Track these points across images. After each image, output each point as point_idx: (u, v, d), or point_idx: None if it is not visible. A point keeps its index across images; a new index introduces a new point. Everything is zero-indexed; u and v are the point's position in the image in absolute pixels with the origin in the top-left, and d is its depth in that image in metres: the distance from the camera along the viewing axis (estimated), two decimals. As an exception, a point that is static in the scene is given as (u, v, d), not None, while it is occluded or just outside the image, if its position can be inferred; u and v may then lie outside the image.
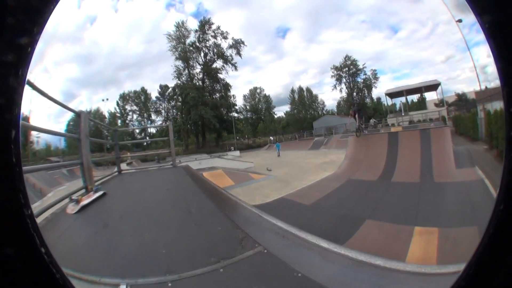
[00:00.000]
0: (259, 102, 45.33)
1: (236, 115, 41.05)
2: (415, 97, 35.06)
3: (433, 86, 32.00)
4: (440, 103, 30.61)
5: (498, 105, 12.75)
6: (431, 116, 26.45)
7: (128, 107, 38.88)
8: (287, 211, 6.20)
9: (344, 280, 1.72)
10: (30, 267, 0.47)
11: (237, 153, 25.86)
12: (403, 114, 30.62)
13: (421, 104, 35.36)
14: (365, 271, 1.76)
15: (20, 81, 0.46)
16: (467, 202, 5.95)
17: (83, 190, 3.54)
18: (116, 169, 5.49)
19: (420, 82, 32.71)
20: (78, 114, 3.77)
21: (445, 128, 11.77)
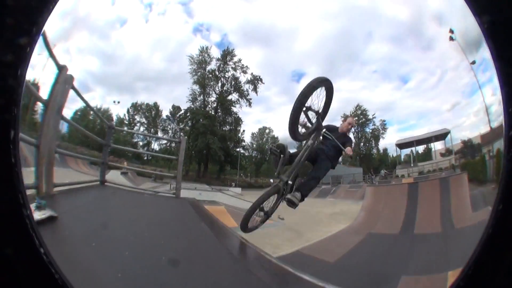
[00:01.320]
0: (267, 143, 46.01)
1: (242, 151, 41.34)
2: (420, 148, 36.68)
3: (443, 135, 33.24)
4: (446, 152, 31.97)
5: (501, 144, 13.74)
6: (441, 165, 27.66)
7: (137, 118, 39.01)
8: (308, 269, 5.98)
9: None
10: (29, 267, 0.47)
11: (239, 190, 25.49)
12: (412, 165, 31.54)
13: (427, 154, 36.86)
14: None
15: (19, 81, 0.46)
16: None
17: (33, 191, 2.26)
18: (99, 177, 4.18)
19: (431, 132, 34.09)
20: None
21: (461, 175, 12.10)
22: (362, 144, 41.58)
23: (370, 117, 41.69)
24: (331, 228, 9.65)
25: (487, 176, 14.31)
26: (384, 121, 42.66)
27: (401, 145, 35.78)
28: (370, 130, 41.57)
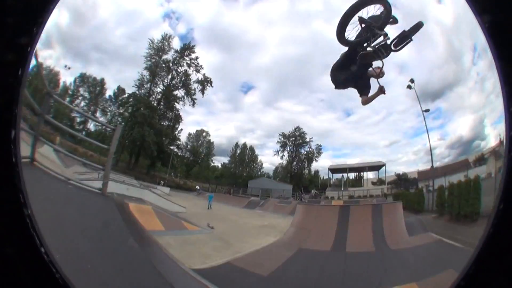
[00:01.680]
0: (201, 146, 46.31)
1: (176, 150, 40.94)
2: (351, 175, 40.04)
3: (377, 167, 36.83)
4: (378, 181, 35.98)
5: (443, 181, 16.05)
6: (372, 192, 30.64)
7: (81, 90, 37.08)
8: (241, 282, 5.46)
9: None
10: (30, 267, 0.47)
11: (167, 190, 24.84)
12: (342, 189, 34.36)
13: (357, 181, 40.55)
14: None
15: (20, 81, 0.46)
16: (434, 257, 6.93)
17: None
18: (29, 153, 3.43)
19: (367, 162, 37.80)
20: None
21: (397, 204, 13.36)
22: (295, 163, 44.15)
23: (307, 140, 44.38)
24: (260, 240, 9.48)
25: (424, 207, 16.71)
26: (320, 145, 45.45)
27: (333, 170, 39.32)
28: (305, 152, 44.29)
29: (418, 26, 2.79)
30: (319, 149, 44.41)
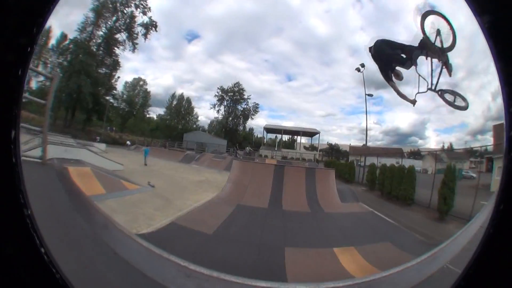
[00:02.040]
0: (138, 96, 43.60)
1: (112, 100, 37.69)
2: (286, 137, 40.67)
3: (311, 133, 36.38)
4: (310, 147, 35.99)
5: (375, 160, 17.89)
6: (305, 156, 30.80)
7: None
8: (188, 243, 5.34)
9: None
10: (30, 267, 0.47)
11: (103, 146, 23.48)
12: (276, 149, 34.83)
13: (291, 144, 40.85)
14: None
15: (19, 81, 0.46)
16: (369, 227, 7.35)
17: None
18: None
19: (302, 127, 37.17)
20: None
21: (329, 170, 13.95)
22: (230, 118, 42.25)
23: (245, 97, 42.92)
24: (200, 196, 9.36)
25: (354, 178, 19.18)
26: (258, 104, 44.17)
27: (269, 129, 37.85)
28: (242, 108, 42.86)
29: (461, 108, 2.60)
30: (256, 108, 43.42)
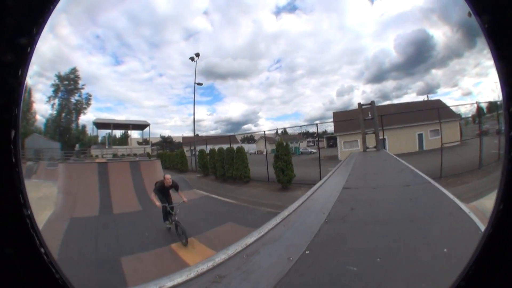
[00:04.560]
0: None
1: None
2: (118, 133, 37.26)
3: (142, 126, 33.87)
4: (143, 141, 33.81)
5: (206, 147, 18.23)
6: (136, 151, 29.31)
7: None
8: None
9: None
10: (30, 267, 0.47)
11: None
12: (107, 147, 32.02)
13: (124, 140, 36.54)
14: None
15: (19, 81, 0.46)
16: (207, 212, 7.67)
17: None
18: None
19: (131, 120, 34.49)
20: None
21: (155, 161, 13.81)
22: (64, 114, 32.26)
23: (80, 86, 32.49)
24: (40, 217, 8.13)
25: (187, 167, 19.63)
26: (90, 95, 33.53)
27: (98, 125, 31.67)
28: (75, 101, 32.90)
29: None
30: (88, 99, 32.77)
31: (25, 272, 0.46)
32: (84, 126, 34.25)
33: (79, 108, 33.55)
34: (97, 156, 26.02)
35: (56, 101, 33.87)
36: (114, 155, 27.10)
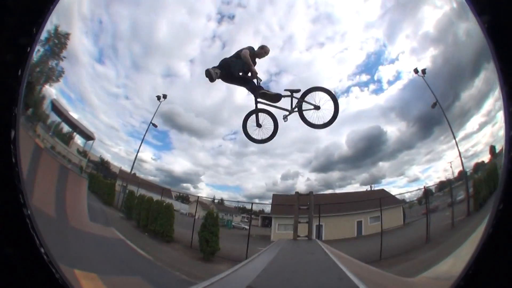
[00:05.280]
0: None
1: None
2: (66, 128, 37.79)
3: (88, 136, 34.08)
4: (82, 153, 35.84)
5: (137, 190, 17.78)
6: (71, 157, 30.23)
7: None
8: None
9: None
10: (30, 267, 0.47)
11: None
12: (51, 133, 32.70)
13: (67, 139, 37.14)
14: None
15: (19, 81, 0.46)
16: (118, 256, 6.79)
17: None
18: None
19: (83, 124, 35.57)
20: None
21: (83, 179, 13.23)
22: (38, 69, 35.01)
23: (62, 56, 34.31)
24: None
25: (113, 201, 19.26)
26: (64, 71, 35.76)
27: (55, 106, 32.36)
28: (50, 66, 35.44)
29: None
30: (60, 73, 36.25)
31: (25, 272, 0.46)
32: (44, 96, 35.15)
33: (49, 75, 34.00)
34: (38, 136, 26.27)
35: (41, 49, 35.10)
36: (52, 147, 27.14)
